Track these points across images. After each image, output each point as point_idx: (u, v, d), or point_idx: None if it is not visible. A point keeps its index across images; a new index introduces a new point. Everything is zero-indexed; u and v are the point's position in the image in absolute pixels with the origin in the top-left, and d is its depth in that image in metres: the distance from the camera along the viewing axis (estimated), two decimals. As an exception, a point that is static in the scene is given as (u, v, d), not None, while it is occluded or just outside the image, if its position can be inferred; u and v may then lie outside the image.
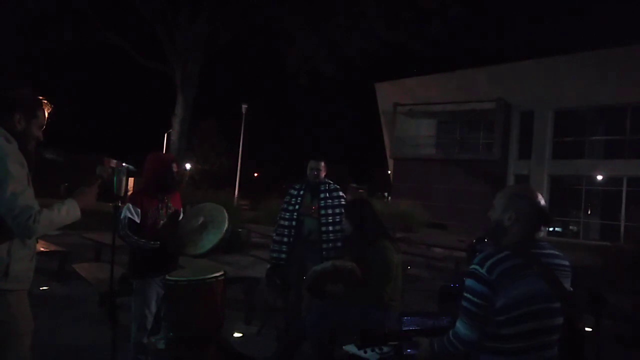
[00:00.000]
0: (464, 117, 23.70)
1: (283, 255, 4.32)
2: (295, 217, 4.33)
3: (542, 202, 1.94)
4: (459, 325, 1.88)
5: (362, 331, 2.10)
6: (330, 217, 4.28)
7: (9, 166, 1.95)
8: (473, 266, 1.86)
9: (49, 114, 2.22)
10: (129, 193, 3.38)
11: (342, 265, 3.19)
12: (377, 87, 26.26)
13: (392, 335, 2.12)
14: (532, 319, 1.79)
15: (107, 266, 4.11)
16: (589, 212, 21.77)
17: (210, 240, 3.36)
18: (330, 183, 4.43)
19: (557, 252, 1.94)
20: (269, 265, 4.49)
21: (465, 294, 1.86)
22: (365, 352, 2.52)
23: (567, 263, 1.94)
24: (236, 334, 4.65)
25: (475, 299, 1.82)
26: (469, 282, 1.85)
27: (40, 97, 2.20)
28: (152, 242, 3.26)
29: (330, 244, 4.23)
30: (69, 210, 2.09)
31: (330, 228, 4.26)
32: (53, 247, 6.92)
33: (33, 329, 2.14)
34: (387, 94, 25.59)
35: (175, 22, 14.68)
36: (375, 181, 39.52)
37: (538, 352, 1.82)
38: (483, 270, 1.81)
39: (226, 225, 3.41)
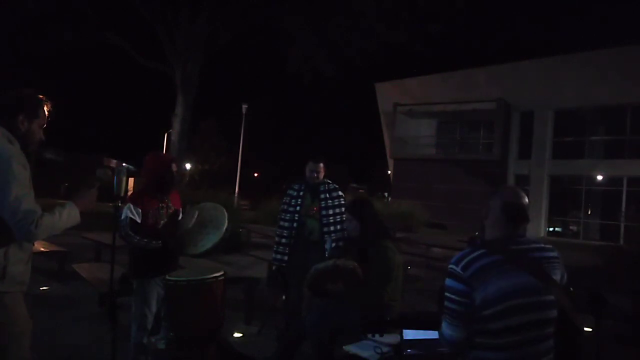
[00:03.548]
0: (464, 117, 23.69)
1: (286, 257, 4.34)
2: (296, 218, 4.34)
3: (517, 200, 1.95)
4: (444, 325, 1.91)
5: (366, 319, 2.11)
6: (331, 217, 4.29)
7: (14, 168, 1.94)
8: (450, 265, 1.89)
9: (48, 112, 2.21)
10: (129, 193, 3.39)
11: (343, 264, 3.19)
12: (377, 87, 26.26)
13: (396, 322, 2.14)
14: (519, 312, 1.79)
15: (107, 266, 4.11)
16: (589, 212, 21.76)
17: (210, 239, 3.36)
18: (329, 183, 4.44)
19: (542, 245, 1.95)
20: (274, 267, 4.50)
21: (446, 294, 1.88)
22: (367, 337, 2.53)
23: (554, 254, 1.94)
24: (236, 334, 4.65)
25: (455, 297, 1.84)
26: (448, 281, 1.88)
27: (41, 96, 2.20)
28: (154, 242, 3.26)
29: (333, 244, 4.24)
30: (69, 215, 2.09)
31: (332, 228, 4.27)
32: (53, 247, 6.92)
33: (31, 329, 2.14)
34: (387, 94, 25.59)
35: (175, 22, 14.67)
36: (375, 181, 39.54)
37: (530, 346, 1.82)
38: (458, 269, 1.83)
39: (225, 225, 3.41)
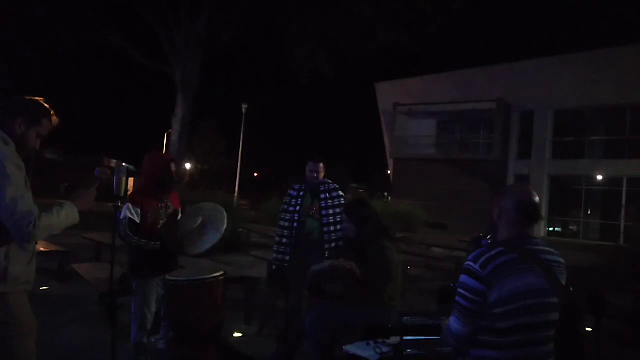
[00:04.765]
0: (464, 117, 23.69)
1: (287, 257, 4.34)
2: (296, 218, 4.35)
3: (531, 198, 1.95)
4: (452, 320, 1.91)
5: (368, 325, 2.11)
6: (331, 217, 4.30)
7: (8, 170, 1.94)
8: (467, 262, 1.89)
9: (54, 125, 2.21)
10: (129, 193, 3.39)
11: (341, 265, 3.19)
12: (377, 87, 26.26)
13: (396, 329, 2.14)
14: (527, 313, 1.80)
15: (107, 266, 4.11)
16: (589, 212, 21.76)
17: (210, 239, 3.36)
18: (329, 183, 4.44)
19: (550, 249, 1.96)
20: (274, 267, 4.50)
21: (459, 290, 1.89)
22: (368, 344, 2.54)
23: (561, 260, 1.96)
24: (236, 334, 4.66)
25: (468, 295, 1.84)
26: (463, 278, 1.88)
27: (48, 107, 2.19)
28: (153, 243, 3.26)
29: (333, 244, 4.25)
30: (67, 214, 2.09)
31: (332, 228, 4.28)
32: (53, 247, 6.92)
33: (36, 328, 2.15)
34: (387, 94, 25.58)
35: (175, 22, 14.67)
36: (375, 181, 39.54)
37: (532, 347, 1.83)
38: (477, 266, 1.84)
39: (225, 225, 3.41)
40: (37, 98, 2.20)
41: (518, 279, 1.80)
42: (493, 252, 1.85)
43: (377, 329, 2.12)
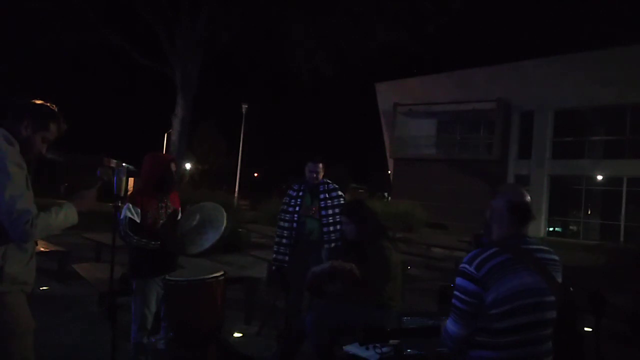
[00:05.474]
0: (464, 117, 23.70)
1: (287, 257, 4.34)
2: (295, 218, 4.35)
3: (521, 198, 1.95)
4: (449, 322, 1.92)
5: (365, 328, 2.10)
6: (331, 217, 4.30)
7: (8, 168, 1.95)
8: (462, 264, 1.89)
9: (62, 131, 2.21)
10: (129, 193, 3.39)
11: (340, 265, 3.19)
12: (377, 87, 26.26)
13: (395, 332, 2.14)
14: (525, 312, 1.80)
15: (107, 266, 4.11)
16: (589, 212, 21.76)
17: (209, 239, 3.36)
18: (329, 183, 4.45)
19: (545, 247, 1.96)
20: (274, 267, 4.51)
21: (455, 292, 1.89)
22: (368, 348, 2.54)
23: (556, 258, 1.96)
24: (236, 334, 4.66)
25: (464, 297, 1.84)
26: (458, 280, 1.88)
27: (57, 112, 2.19)
28: (153, 243, 3.26)
29: (332, 244, 4.25)
30: (67, 215, 2.09)
31: (332, 228, 4.28)
32: (53, 247, 6.92)
33: (34, 328, 2.15)
34: (387, 94, 25.59)
35: (175, 22, 14.66)
36: (375, 181, 39.57)
37: (531, 346, 1.83)
38: (472, 268, 1.84)
39: (225, 225, 3.41)
40: (47, 103, 2.19)
41: (514, 278, 1.80)
42: (488, 253, 1.85)
43: (375, 333, 2.11)
